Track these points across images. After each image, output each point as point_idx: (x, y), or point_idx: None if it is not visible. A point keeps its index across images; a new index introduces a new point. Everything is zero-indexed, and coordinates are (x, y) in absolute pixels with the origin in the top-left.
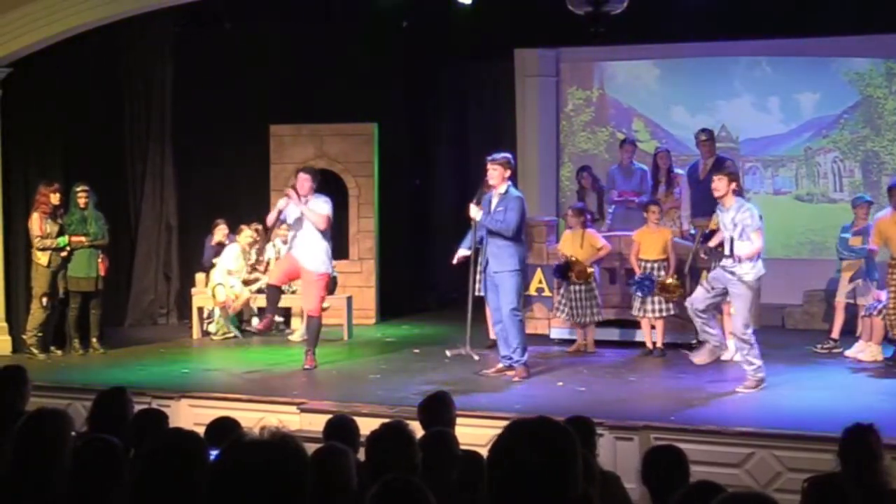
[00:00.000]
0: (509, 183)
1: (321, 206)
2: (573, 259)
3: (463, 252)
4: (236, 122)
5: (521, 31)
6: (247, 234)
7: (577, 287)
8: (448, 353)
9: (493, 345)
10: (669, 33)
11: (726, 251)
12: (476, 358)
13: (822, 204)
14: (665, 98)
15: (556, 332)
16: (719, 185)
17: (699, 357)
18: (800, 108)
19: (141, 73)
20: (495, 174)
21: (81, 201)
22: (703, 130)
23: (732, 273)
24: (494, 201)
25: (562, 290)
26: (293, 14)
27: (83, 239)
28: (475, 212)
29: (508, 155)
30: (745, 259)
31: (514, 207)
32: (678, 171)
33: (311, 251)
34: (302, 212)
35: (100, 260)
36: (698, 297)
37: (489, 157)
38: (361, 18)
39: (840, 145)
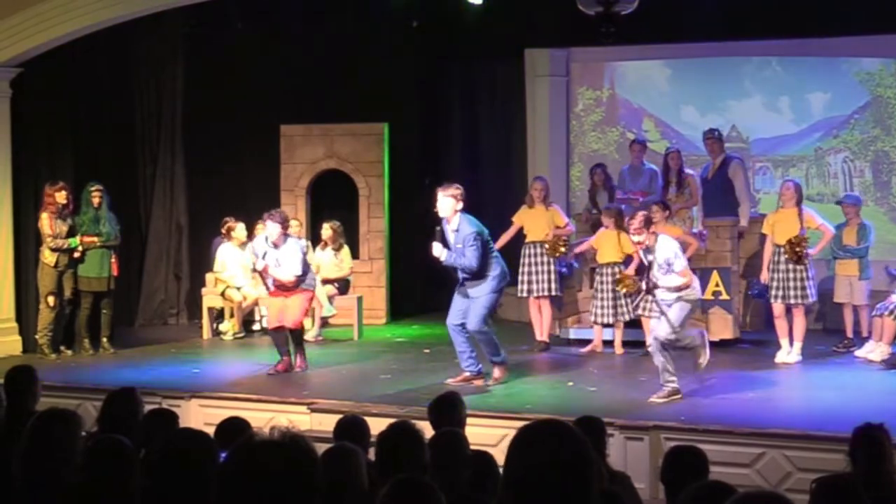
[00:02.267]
0: (460, 215)
1: (293, 262)
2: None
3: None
4: (246, 122)
5: (531, 31)
6: (240, 230)
7: (607, 286)
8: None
9: (546, 347)
10: (680, 33)
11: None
12: None
13: (832, 204)
14: (675, 98)
15: (574, 333)
16: (641, 240)
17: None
18: (810, 108)
19: (151, 73)
20: (446, 206)
21: (95, 200)
22: (711, 130)
23: (676, 296)
24: (451, 236)
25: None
26: (304, 14)
27: (95, 239)
28: (438, 251)
29: (460, 188)
30: (670, 287)
31: (471, 244)
32: (689, 171)
33: (289, 278)
34: (267, 268)
35: (112, 260)
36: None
37: (439, 188)
38: (372, 18)
39: (850, 145)
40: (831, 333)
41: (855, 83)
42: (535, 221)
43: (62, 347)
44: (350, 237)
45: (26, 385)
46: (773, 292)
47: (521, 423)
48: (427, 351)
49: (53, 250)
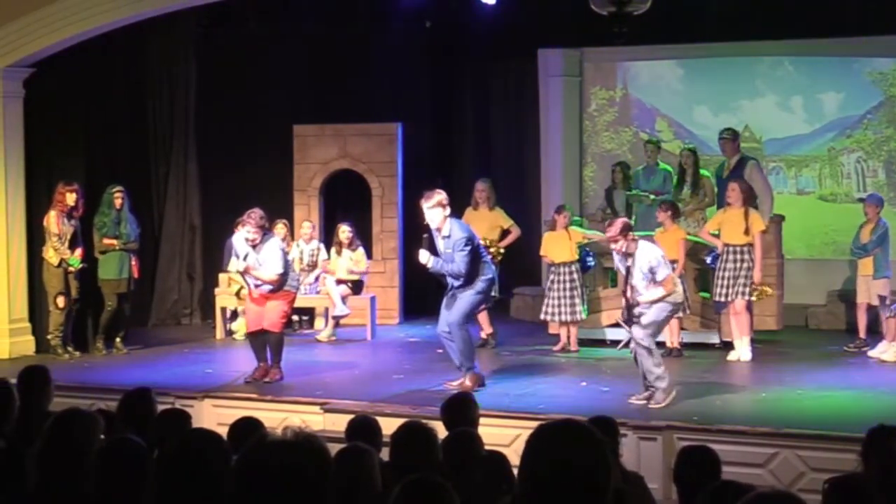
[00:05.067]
0: (450, 221)
1: (274, 261)
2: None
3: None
4: (260, 122)
5: (544, 31)
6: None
7: (560, 286)
8: None
9: (484, 343)
10: (693, 33)
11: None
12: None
13: (845, 204)
14: (688, 98)
15: (580, 332)
16: (617, 247)
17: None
18: (823, 108)
19: (164, 73)
20: (435, 216)
21: (117, 202)
22: (727, 129)
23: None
24: (441, 243)
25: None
26: (317, 14)
27: (114, 242)
28: (425, 258)
29: (441, 193)
30: (652, 300)
31: (461, 249)
32: (704, 172)
33: (271, 276)
34: (250, 268)
35: (132, 262)
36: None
37: (422, 201)
38: (385, 18)
39: (863, 145)
40: (854, 334)
41: (868, 83)
42: (477, 224)
43: (70, 348)
44: (363, 237)
45: (40, 385)
46: (722, 290)
47: (534, 424)
48: (440, 351)
49: (56, 251)
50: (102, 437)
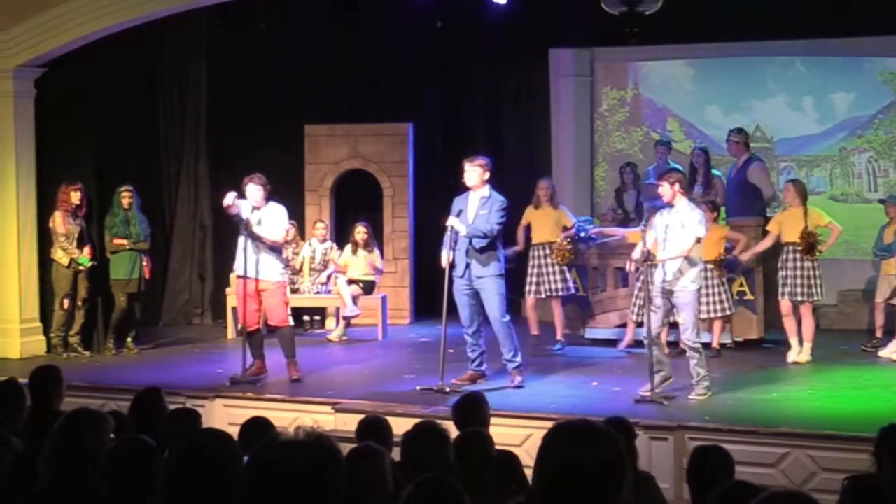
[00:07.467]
0: (490, 188)
1: (278, 222)
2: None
3: (447, 254)
4: (271, 122)
5: (555, 30)
6: None
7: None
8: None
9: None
10: (704, 33)
11: (659, 256)
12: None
13: (856, 204)
14: (699, 98)
15: (591, 333)
16: (663, 191)
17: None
18: (834, 108)
19: (175, 73)
20: (473, 175)
21: (125, 202)
22: (734, 130)
23: (672, 290)
24: (476, 205)
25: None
26: (328, 14)
27: (125, 242)
28: (457, 223)
29: (486, 159)
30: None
31: (499, 210)
32: (716, 172)
33: (263, 263)
34: (250, 224)
35: (144, 263)
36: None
37: (466, 160)
38: (396, 18)
39: (875, 145)
40: (871, 333)
41: (879, 83)
42: (543, 222)
43: (80, 347)
44: (375, 237)
45: (51, 385)
46: (781, 289)
47: (545, 424)
48: (451, 351)
49: (64, 251)
50: (112, 436)
